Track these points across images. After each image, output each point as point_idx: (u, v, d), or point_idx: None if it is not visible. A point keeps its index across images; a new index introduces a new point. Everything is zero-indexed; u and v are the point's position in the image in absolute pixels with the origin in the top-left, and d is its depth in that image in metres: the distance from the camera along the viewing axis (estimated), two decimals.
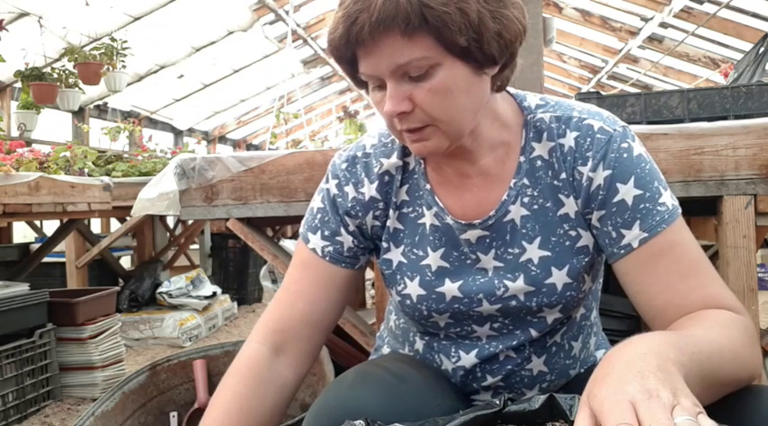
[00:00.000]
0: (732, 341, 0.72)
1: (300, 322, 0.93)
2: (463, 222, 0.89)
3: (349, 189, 0.93)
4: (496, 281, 0.89)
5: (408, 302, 0.93)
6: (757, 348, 0.78)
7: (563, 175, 0.86)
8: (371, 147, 0.94)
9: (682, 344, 0.65)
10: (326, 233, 0.94)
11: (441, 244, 0.91)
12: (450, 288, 0.90)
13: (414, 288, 0.92)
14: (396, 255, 0.93)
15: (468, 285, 0.90)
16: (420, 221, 0.92)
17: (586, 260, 0.88)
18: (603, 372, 0.61)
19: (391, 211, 0.93)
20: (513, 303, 0.89)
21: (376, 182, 0.93)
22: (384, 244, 0.94)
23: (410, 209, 0.93)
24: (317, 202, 0.97)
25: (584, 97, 1.62)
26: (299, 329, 0.93)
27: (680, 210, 0.83)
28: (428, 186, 0.91)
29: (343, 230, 0.94)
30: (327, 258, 0.94)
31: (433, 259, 0.91)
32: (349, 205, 0.93)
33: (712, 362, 0.67)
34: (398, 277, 0.93)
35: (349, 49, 0.77)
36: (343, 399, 0.77)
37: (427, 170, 0.92)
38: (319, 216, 0.95)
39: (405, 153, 0.93)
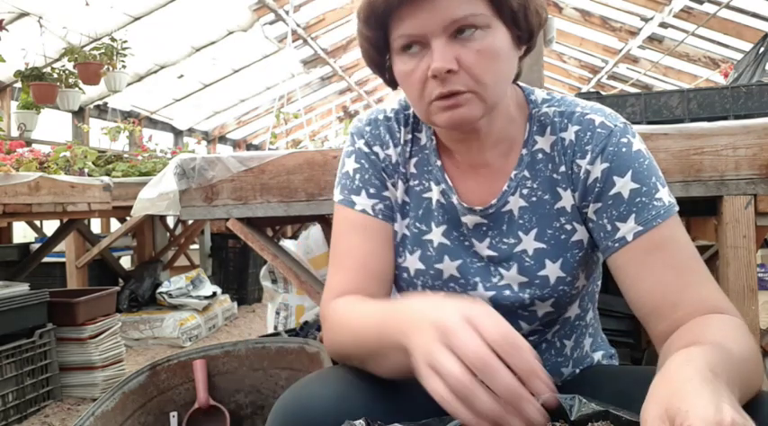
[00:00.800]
0: (753, 353, 0.71)
1: (375, 280, 0.89)
2: (465, 205, 0.89)
3: (377, 149, 0.92)
4: (492, 268, 0.90)
5: (405, 275, 0.93)
6: (760, 354, 0.78)
7: (562, 168, 0.87)
8: (392, 112, 0.94)
9: (720, 368, 0.62)
10: (372, 190, 0.91)
11: (443, 221, 0.91)
12: (449, 266, 0.91)
13: (413, 262, 0.92)
14: (401, 227, 0.93)
15: (467, 266, 0.90)
16: (425, 195, 0.92)
17: (580, 254, 0.88)
18: (675, 387, 0.57)
19: (401, 182, 0.93)
20: (507, 292, 0.89)
21: (399, 147, 0.93)
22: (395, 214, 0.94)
23: (416, 182, 0.93)
24: (350, 165, 0.93)
25: (583, 97, 1.62)
26: (373, 287, 0.88)
27: (677, 208, 0.83)
28: (439, 162, 0.91)
29: (387, 184, 0.92)
30: (380, 216, 0.91)
31: (436, 234, 0.91)
32: (383, 164, 0.92)
33: (742, 379, 0.66)
34: (400, 249, 0.93)
35: (401, 4, 0.76)
36: (297, 396, 0.77)
37: (439, 148, 0.92)
38: (358, 176, 0.92)
39: (416, 127, 0.93)
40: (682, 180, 1.36)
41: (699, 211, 1.47)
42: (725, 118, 1.53)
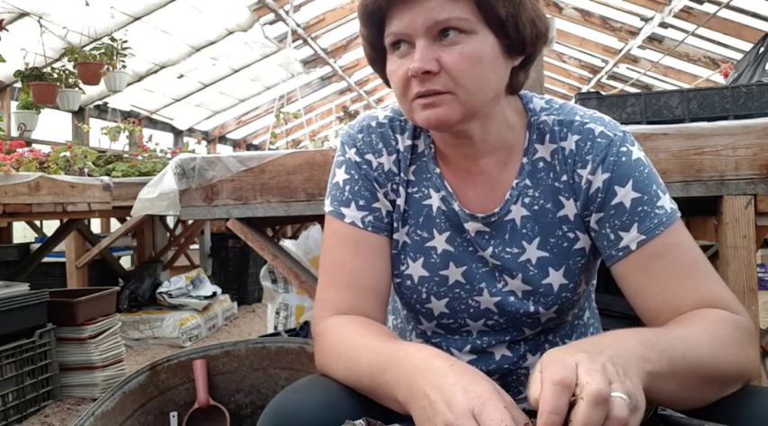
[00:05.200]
0: (714, 338, 0.72)
1: (369, 296, 0.88)
2: (467, 211, 0.89)
3: (370, 157, 0.92)
4: (497, 274, 0.90)
5: (408, 283, 0.92)
6: (751, 346, 0.78)
7: (564, 177, 0.87)
8: (385, 118, 0.93)
9: (653, 342, 0.66)
10: (361, 202, 0.90)
11: (446, 228, 0.91)
12: (454, 272, 0.91)
13: (416, 269, 0.92)
14: (401, 235, 0.93)
15: (472, 271, 0.91)
16: (425, 202, 0.92)
17: (582, 262, 0.89)
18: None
19: (401, 189, 0.92)
20: (512, 298, 0.90)
21: (394, 155, 0.92)
22: (393, 223, 0.94)
23: (415, 189, 0.93)
24: (340, 175, 0.92)
25: (584, 97, 1.62)
26: (367, 304, 0.87)
27: (679, 214, 0.83)
28: (438, 170, 0.91)
29: (378, 195, 0.91)
30: (370, 228, 0.90)
31: (439, 241, 0.91)
32: (375, 174, 0.91)
33: (687, 359, 0.68)
34: (402, 257, 0.93)
35: (389, 4, 0.78)
36: (286, 402, 0.77)
37: (437, 155, 0.92)
38: (348, 187, 0.91)
39: (415, 135, 0.93)
40: (682, 180, 1.36)
41: (699, 211, 1.47)
42: (725, 118, 1.53)
